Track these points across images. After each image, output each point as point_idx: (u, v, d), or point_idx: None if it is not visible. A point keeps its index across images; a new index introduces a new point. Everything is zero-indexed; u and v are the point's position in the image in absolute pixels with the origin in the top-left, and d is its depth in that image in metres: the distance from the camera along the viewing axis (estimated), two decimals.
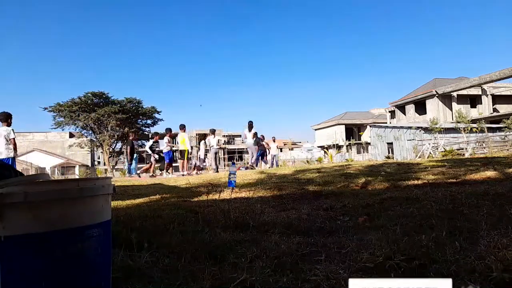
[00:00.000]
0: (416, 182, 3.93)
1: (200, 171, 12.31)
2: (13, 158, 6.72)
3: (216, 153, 11.25)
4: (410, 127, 24.80)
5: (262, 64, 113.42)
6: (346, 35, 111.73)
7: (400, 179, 4.19)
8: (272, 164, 14.89)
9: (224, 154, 49.46)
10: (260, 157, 13.62)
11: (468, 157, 11.91)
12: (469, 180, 3.83)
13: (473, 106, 31.41)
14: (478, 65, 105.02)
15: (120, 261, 1.52)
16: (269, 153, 15.20)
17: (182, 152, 10.71)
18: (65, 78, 78.09)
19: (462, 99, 30.81)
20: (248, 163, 13.95)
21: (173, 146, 10.75)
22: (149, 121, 36.48)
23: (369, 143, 32.17)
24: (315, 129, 44.41)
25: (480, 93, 30.69)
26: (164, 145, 10.56)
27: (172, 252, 1.68)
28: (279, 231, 2.04)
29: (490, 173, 4.06)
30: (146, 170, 11.48)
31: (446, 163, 6.64)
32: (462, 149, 18.04)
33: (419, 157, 16.27)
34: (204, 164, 14.01)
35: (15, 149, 6.66)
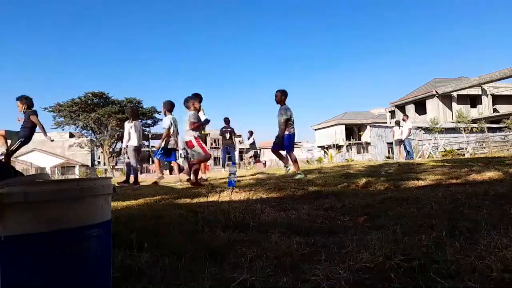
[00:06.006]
0: (416, 182, 3.93)
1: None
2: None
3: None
4: None
5: (261, 64, 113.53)
6: (345, 34, 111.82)
7: (400, 180, 4.19)
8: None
9: None
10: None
11: (468, 157, 11.91)
12: (469, 180, 3.83)
13: (473, 106, 31.39)
14: (478, 65, 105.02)
15: (120, 261, 1.52)
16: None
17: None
18: (65, 78, 78.14)
19: (462, 99, 30.80)
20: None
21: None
22: (149, 121, 36.56)
23: (369, 143, 32.15)
24: (315, 129, 44.36)
25: (480, 93, 30.68)
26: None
27: (172, 252, 1.68)
28: (279, 231, 2.04)
29: (490, 173, 4.05)
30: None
31: (446, 163, 6.64)
32: (462, 149, 18.03)
33: (419, 157, 16.25)
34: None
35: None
